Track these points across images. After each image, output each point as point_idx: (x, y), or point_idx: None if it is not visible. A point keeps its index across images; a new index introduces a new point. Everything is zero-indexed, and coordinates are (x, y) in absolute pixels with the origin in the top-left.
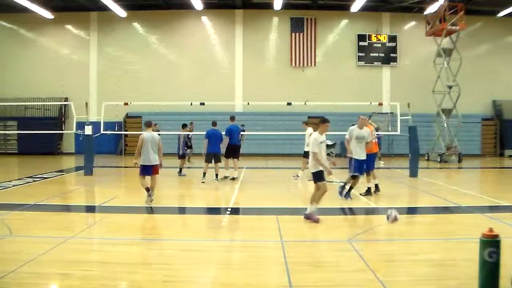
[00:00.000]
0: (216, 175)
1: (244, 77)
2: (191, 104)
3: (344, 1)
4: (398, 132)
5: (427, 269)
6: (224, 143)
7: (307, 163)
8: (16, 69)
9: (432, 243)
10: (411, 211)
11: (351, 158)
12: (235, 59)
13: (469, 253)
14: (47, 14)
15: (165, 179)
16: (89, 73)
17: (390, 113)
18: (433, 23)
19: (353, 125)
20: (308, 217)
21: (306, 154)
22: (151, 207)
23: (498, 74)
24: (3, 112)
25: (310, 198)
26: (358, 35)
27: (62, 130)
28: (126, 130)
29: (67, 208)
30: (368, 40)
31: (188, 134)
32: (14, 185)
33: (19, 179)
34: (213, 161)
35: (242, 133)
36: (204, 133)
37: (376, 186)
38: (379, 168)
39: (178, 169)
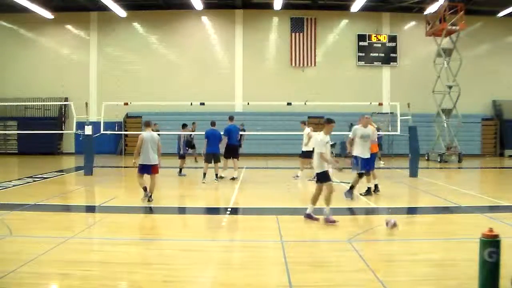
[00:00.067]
0: (216, 175)
1: (244, 77)
2: (191, 104)
3: (344, 1)
4: (398, 132)
5: (427, 269)
6: (223, 143)
7: (308, 163)
8: (16, 69)
9: (432, 243)
10: (411, 211)
11: (355, 157)
12: (235, 59)
13: (469, 253)
14: (47, 14)
15: (165, 179)
16: (89, 73)
17: (390, 113)
18: (433, 23)
19: (352, 125)
20: (308, 217)
21: (303, 154)
22: (151, 207)
23: (498, 74)
24: (3, 112)
25: (311, 198)
26: (358, 35)
27: (62, 130)
28: (126, 130)
29: (67, 208)
30: (368, 40)
31: (190, 134)
32: (14, 185)
33: (19, 179)
34: (212, 161)
35: (241, 133)
36: (204, 133)
37: (376, 186)
38: (379, 168)
39: (178, 169)
